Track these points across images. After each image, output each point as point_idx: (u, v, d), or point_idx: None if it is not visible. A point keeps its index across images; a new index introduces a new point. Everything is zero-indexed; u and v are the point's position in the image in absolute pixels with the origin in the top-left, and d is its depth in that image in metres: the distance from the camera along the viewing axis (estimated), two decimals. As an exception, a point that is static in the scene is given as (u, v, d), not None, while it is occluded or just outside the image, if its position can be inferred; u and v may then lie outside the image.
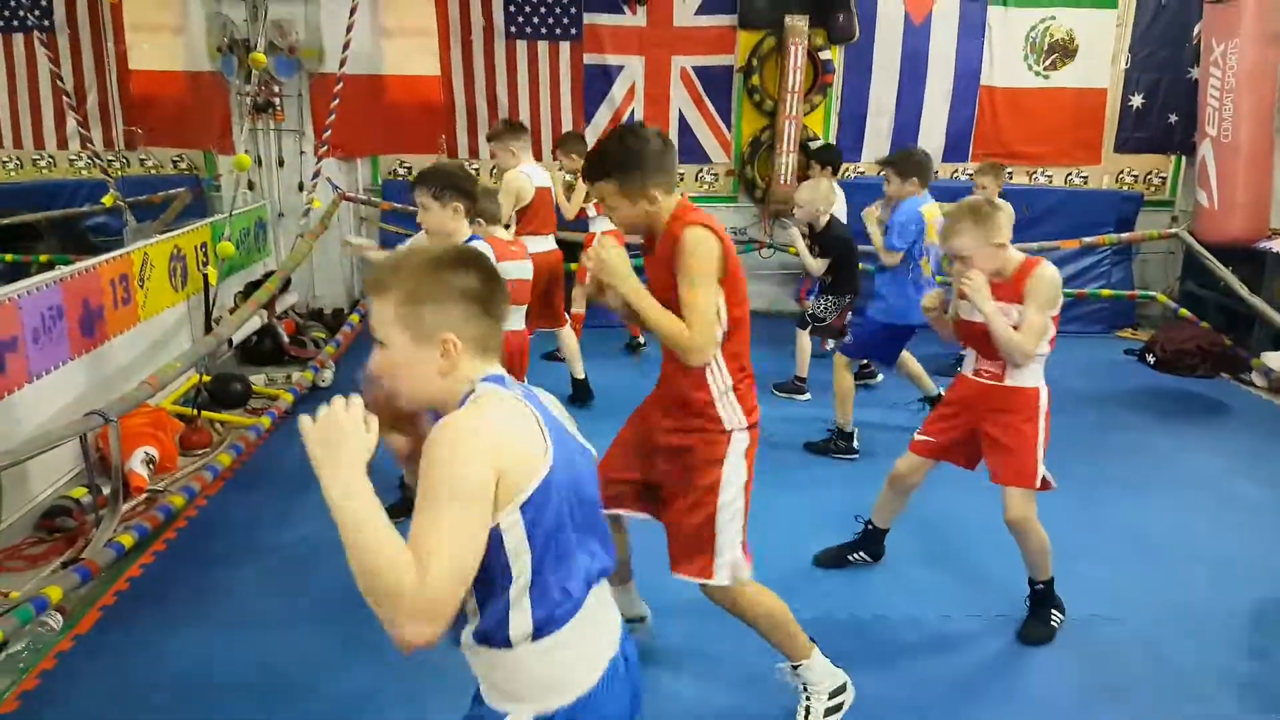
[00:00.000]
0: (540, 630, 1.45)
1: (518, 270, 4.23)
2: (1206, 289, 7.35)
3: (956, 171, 8.05)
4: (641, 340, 6.95)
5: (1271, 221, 6.93)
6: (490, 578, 1.41)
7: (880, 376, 6.19)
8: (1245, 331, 6.79)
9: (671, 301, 2.46)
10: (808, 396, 5.93)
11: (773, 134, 7.70)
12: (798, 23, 7.39)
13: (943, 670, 3.12)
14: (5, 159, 7.81)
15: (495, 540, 1.38)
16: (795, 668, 2.73)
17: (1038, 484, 3.16)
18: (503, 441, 1.39)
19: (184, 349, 5.27)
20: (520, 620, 1.44)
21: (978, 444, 3.31)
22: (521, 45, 7.79)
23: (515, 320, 4.33)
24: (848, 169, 7.82)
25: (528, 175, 5.51)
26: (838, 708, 2.75)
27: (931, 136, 7.91)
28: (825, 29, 7.55)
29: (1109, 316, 8.01)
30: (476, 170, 7.82)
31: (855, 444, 4.99)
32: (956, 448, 3.38)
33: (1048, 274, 3.08)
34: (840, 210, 6.18)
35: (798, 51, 7.40)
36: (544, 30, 7.77)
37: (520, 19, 7.72)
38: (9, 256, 6.01)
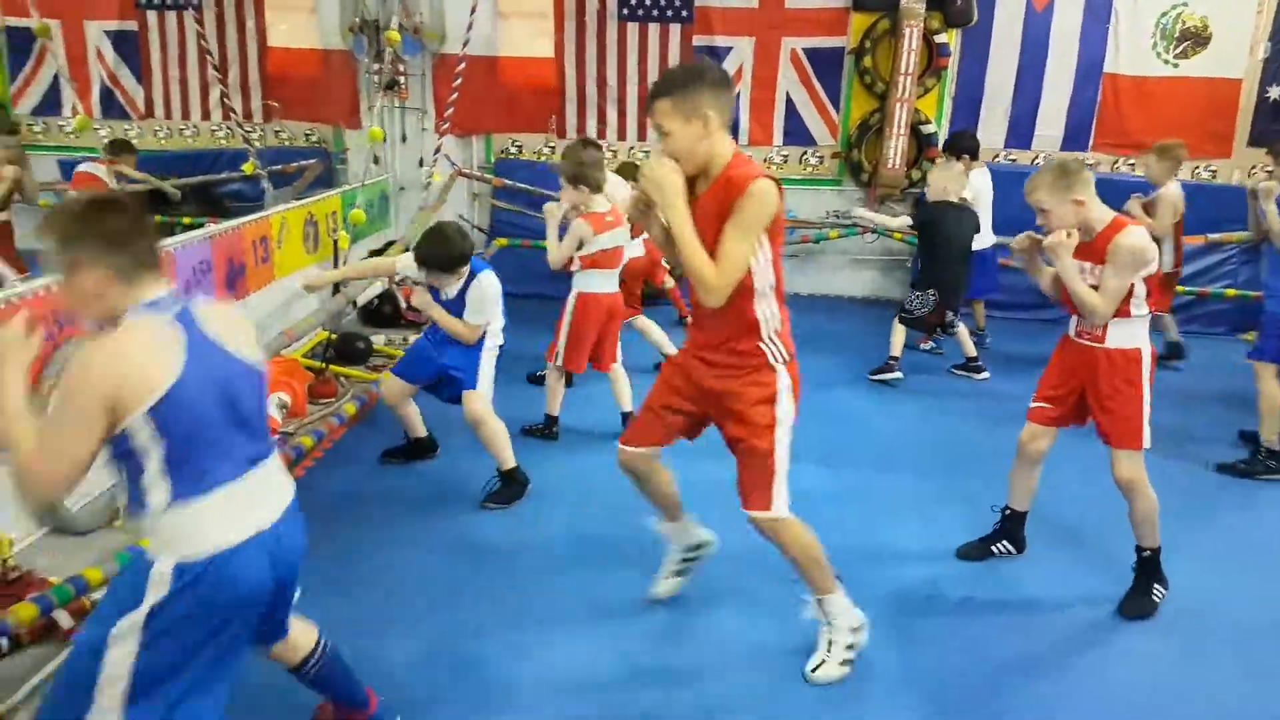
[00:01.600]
0: (178, 498, 1.87)
1: (612, 239, 4.57)
2: None
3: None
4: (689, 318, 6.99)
5: None
6: (128, 465, 1.86)
7: (987, 375, 6.05)
8: None
9: (708, 244, 2.55)
10: (899, 375, 5.90)
11: (882, 117, 7.68)
12: (914, 5, 7.34)
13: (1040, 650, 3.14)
14: (156, 128, 8.42)
15: (124, 439, 1.81)
16: (820, 601, 2.87)
17: (1144, 444, 3.18)
18: (118, 367, 1.78)
19: (313, 308, 5.64)
20: (158, 494, 1.86)
21: (1085, 404, 3.33)
22: (633, 27, 7.96)
23: (609, 283, 4.56)
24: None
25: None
26: (854, 644, 2.90)
27: (1051, 124, 7.75)
28: (942, 12, 7.47)
29: (1234, 317, 7.67)
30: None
31: None
32: (1070, 410, 3.40)
33: (1128, 239, 3.07)
34: (985, 196, 6.14)
35: (913, 34, 7.36)
36: (655, 12, 7.92)
37: (633, 1, 7.89)
38: (157, 217, 6.50)
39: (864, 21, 7.66)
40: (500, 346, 4.21)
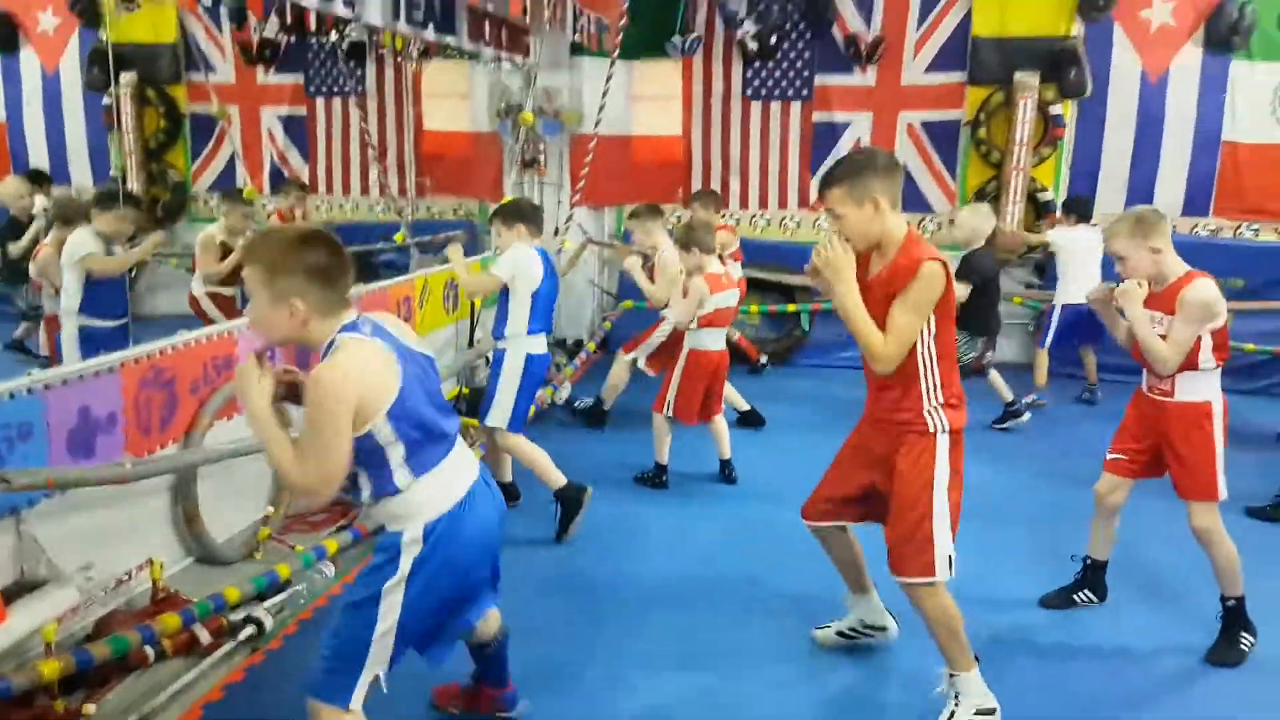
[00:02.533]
0: (417, 477, 2.24)
1: (726, 300, 4.99)
2: None
3: (1196, 227, 7.78)
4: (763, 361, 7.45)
5: None
6: (375, 460, 2.20)
7: (1028, 416, 6.24)
8: None
9: (879, 317, 2.77)
10: (1027, 417, 6.15)
11: (999, 185, 7.84)
12: (1028, 78, 7.54)
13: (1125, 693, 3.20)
14: (319, 202, 9.38)
15: (371, 439, 2.15)
16: (953, 676, 2.92)
17: (1220, 496, 3.25)
18: (363, 379, 2.10)
19: (449, 363, 6.20)
20: (402, 475, 2.23)
21: (1161, 458, 3.42)
22: (756, 105, 8.44)
23: (718, 341, 4.95)
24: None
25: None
26: None
27: (1169, 191, 7.71)
28: (1056, 84, 7.63)
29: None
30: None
31: None
32: (1146, 463, 3.48)
33: (1196, 292, 3.17)
34: (1095, 253, 6.32)
35: (1027, 105, 7.53)
36: (777, 92, 8.38)
37: (756, 82, 8.38)
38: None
39: (979, 94, 7.88)
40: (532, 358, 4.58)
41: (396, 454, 2.20)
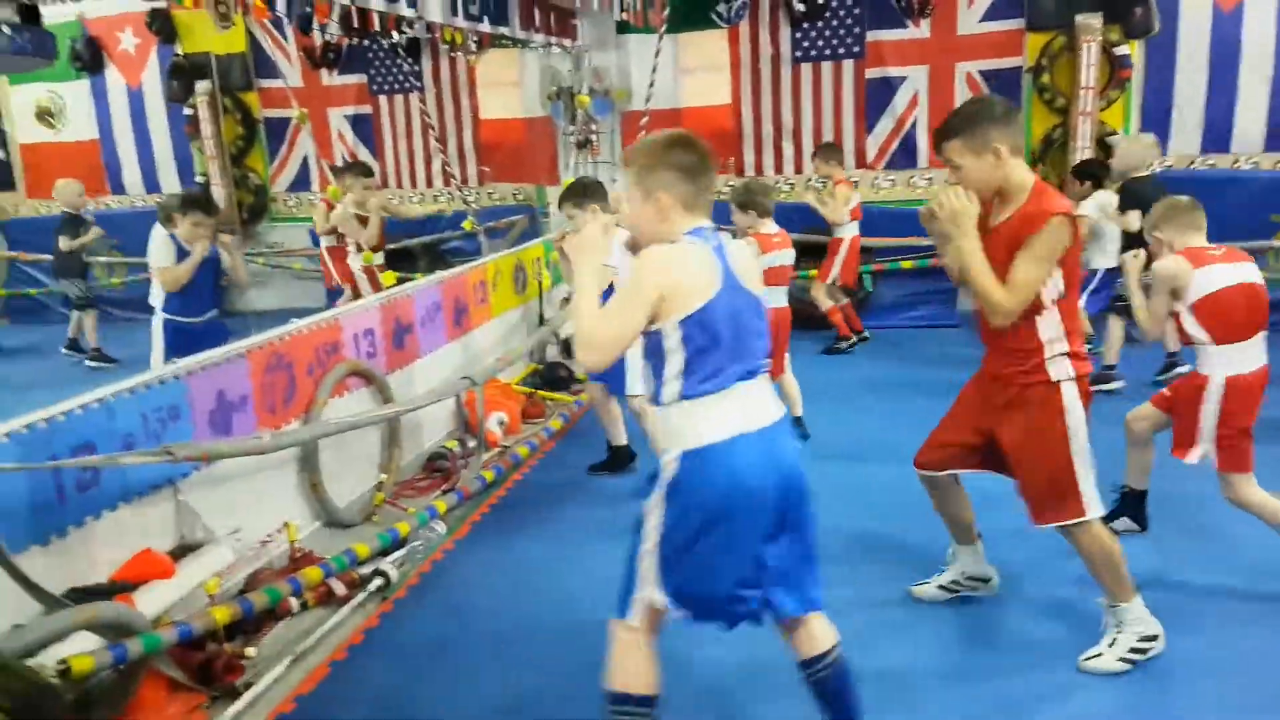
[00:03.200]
0: (685, 398, 2.19)
1: (778, 259, 4.94)
2: None
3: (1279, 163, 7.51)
4: (866, 335, 7.36)
5: None
6: (654, 360, 2.22)
7: (1122, 383, 5.81)
8: None
9: (1001, 269, 2.73)
10: (1120, 384, 5.77)
11: (1065, 132, 7.67)
12: (1090, 20, 7.34)
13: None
14: (390, 196, 9.66)
15: (658, 338, 2.18)
16: (1113, 607, 2.95)
17: (1188, 459, 3.47)
18: (673, 273, 2.15)
19: (523, 339, 6.40)
20: (670, 391, 2.21)
21: None
22: (806, 68, 8.38)
23: (777, 298, 4.93)
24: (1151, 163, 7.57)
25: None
26: (1143, 650, 2.94)
27: (1250, 125, 7.43)
28: (1121, 24, 7.41)
29: None
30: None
31: None
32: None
33: (1156, 267, 3.47)
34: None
35: (1091, 48, 7.34)
36: (828, 51, 8.31)
37: (805, 44, 8.32)
38: (395, 274, 7.55)
39: (1039, 40, 7.70)
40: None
41: (674, 364, 2.18)
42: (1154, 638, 2.96)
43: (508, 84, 9.01)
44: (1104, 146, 7.60)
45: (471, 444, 5.04)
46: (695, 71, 8.62)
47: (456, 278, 5.75)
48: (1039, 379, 2.84)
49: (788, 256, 5.00)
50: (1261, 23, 7.31)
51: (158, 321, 5.12)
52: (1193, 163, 7.62)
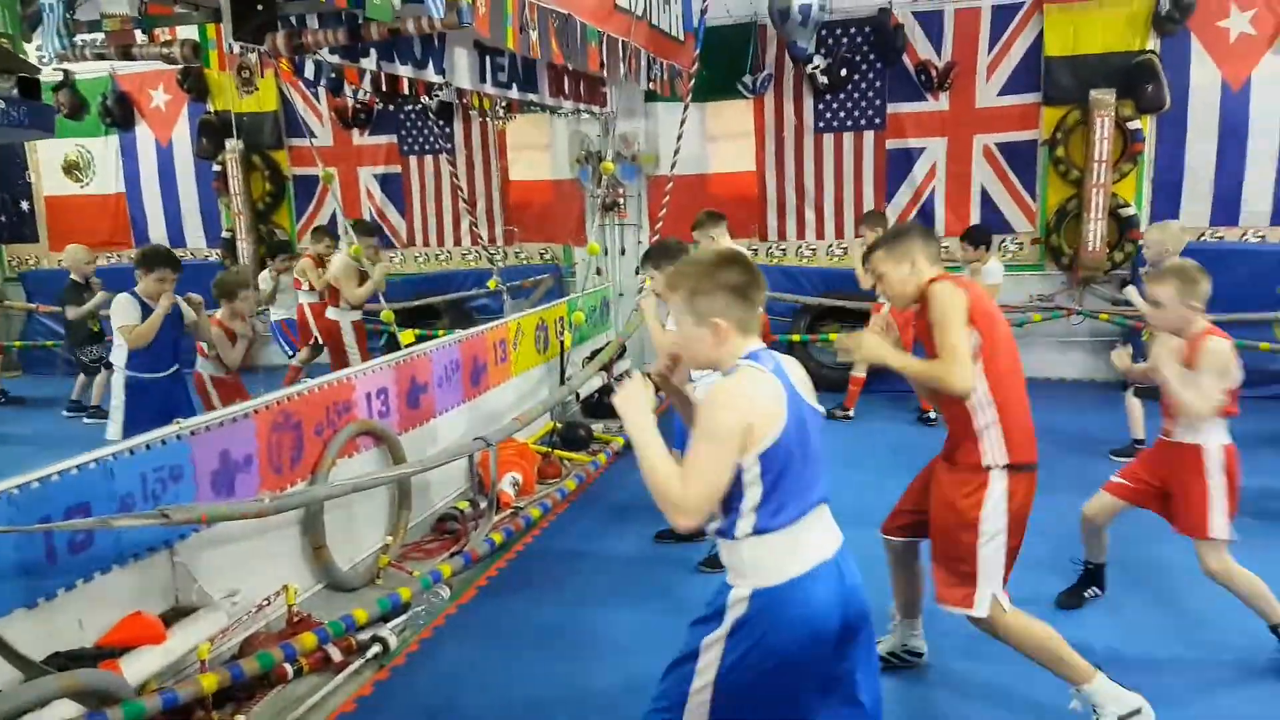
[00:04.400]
0: (760, 531, 2.09)
1: None
2: None
3: (1287, 236, 7.57)
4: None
5: None
6: (731, 497, 2.09)
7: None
8: None
9: (931, 352, 2.90)
10: None
11: (1079, 203, 7.77)
12: (1104, 96, 7.49)
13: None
14: (417, 254, 9.90)
15: (738, 473, 2.06)
16: (1078, 690, 2.95)
17: (1209, 535, 3.39)
18: (753, 407, 2.05)
19: (543, 398, 6.50)
20: (745, 525, 2.10)
21: (1169, 498, 3.60)
22: (828, 138, 8.58)
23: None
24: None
25: None
26: None
27: (1258, 200, 7.52)
28: (1133, 100, 7.55)
29: None
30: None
31: None
32: (1148, 497, 3.67)
33: (1211, 346, 3.34)
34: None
35: (1104, 123, 7.48)
36: (850, 123, 8.50)
37: (828, 114, 8.53)
38: (416, 331, 7.72)
39: (1055, 114, 7.86)
40: None
41: (752, 498, 2.07)
42: (1137, 711, 2.92)
43: (537, 147, 9.27)
44: (1116, 218, 7.71)
45: (483, 505, 5.11)
46: (721, 139, 8.84)
47: (476, 337, 5.89)
48: (965, 462, 2.95)
49: None
50: (1268, 100, 7.45)
51: (119, 379, 5.12)
52: (1202, 235, 7.69)
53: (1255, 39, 7.38)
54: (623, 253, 8.88)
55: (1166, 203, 7.72)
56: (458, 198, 9.47)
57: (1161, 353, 3.43)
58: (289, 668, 3.43)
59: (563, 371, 6.99)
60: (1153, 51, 7.52)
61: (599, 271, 8.58)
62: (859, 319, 7.99)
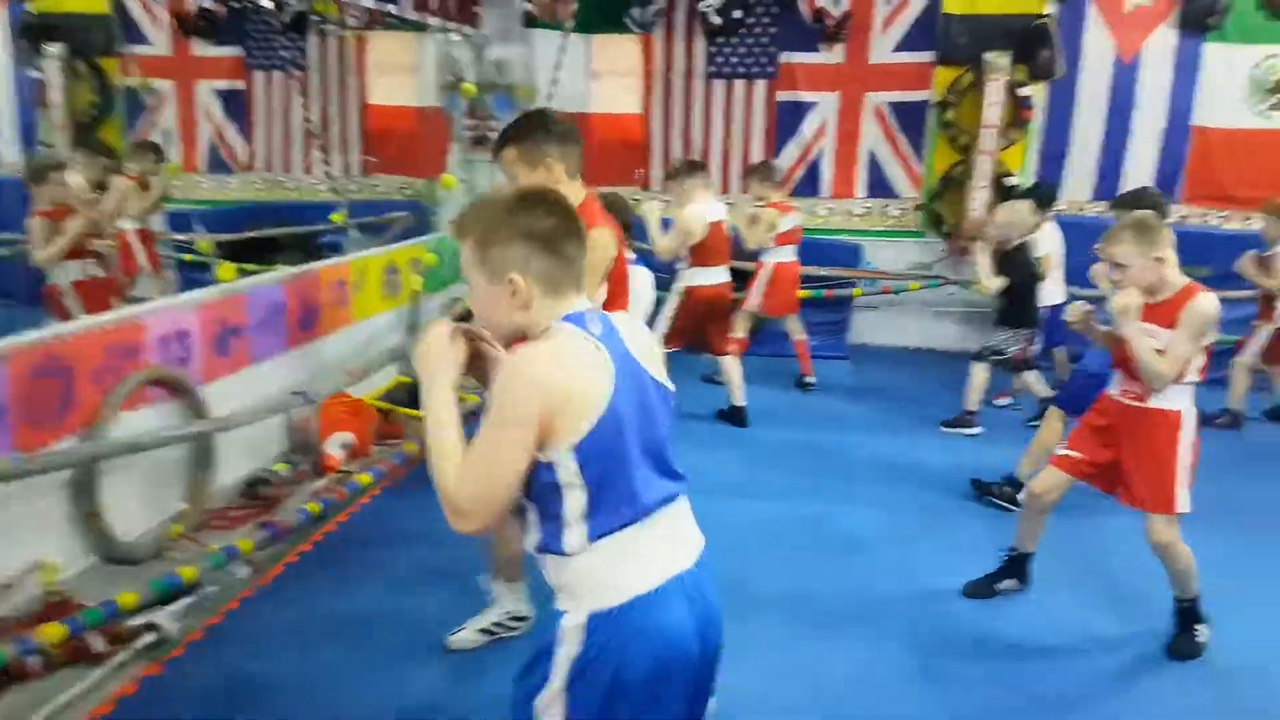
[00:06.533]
0: (593, 540, 1.64)
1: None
2: None
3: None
4: (812, 380, 6.92)
5: None
6: (545, 502, 1.65)
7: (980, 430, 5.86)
8: None
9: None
10: (978, 430, 5.81)
11: (966, 169, 7.54)
12: (999, 59, 7.23)
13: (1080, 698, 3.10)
14: (254, 180, 8.94)
15: (549, 472, 1.61)
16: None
17: (1177, 509, 3.14)
18: (557, 383, 1.57)
19: (389, 347, 5.84)
20: (574, 536, 1.64)
21: (1118, 468, 3.29)
22: (719, 84, 8.10)
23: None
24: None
25: (699, 214, 5.66)
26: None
27: (1138, 176, 7.45)
28: (1027, 65, 7.33)
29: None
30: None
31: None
32: (1099, 469, 3.38)
33: (1202, 305, 3.02)
34: (1056, 248, 6.05)
35: (997, 87, 7.24)
36: (742, 70, 8.04)
37: (720, 59, 8.04)
38: (250, 266, 6.90)
39: (948, 75, 7.56)
40: None
41: (575, 502, 1.62)
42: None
43: (401, 69, 8.43)
44: (1000, 187, 7.51)
45: (304, 468, 4.48)
46: (605, 76, 8.26)
47: (307, 275, 5.18)
48: None
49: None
50: (1157, 75, 7.35)
51: None
52: (1082, 209, 7.60)
53: (1150, 10, 7.25)
54: (492, 193, 8.20)
55: (1050, 174, 7.58)
56: (307, 120, 8.56)
57: (1126, 306, 3.09)
58: (37, 660, 2.87)
59: (415, 320, 6.33)
60: (1049, 16, 7.28)
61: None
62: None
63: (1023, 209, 5.74)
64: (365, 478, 4.46)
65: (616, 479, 1.63)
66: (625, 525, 1.64)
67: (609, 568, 1.65)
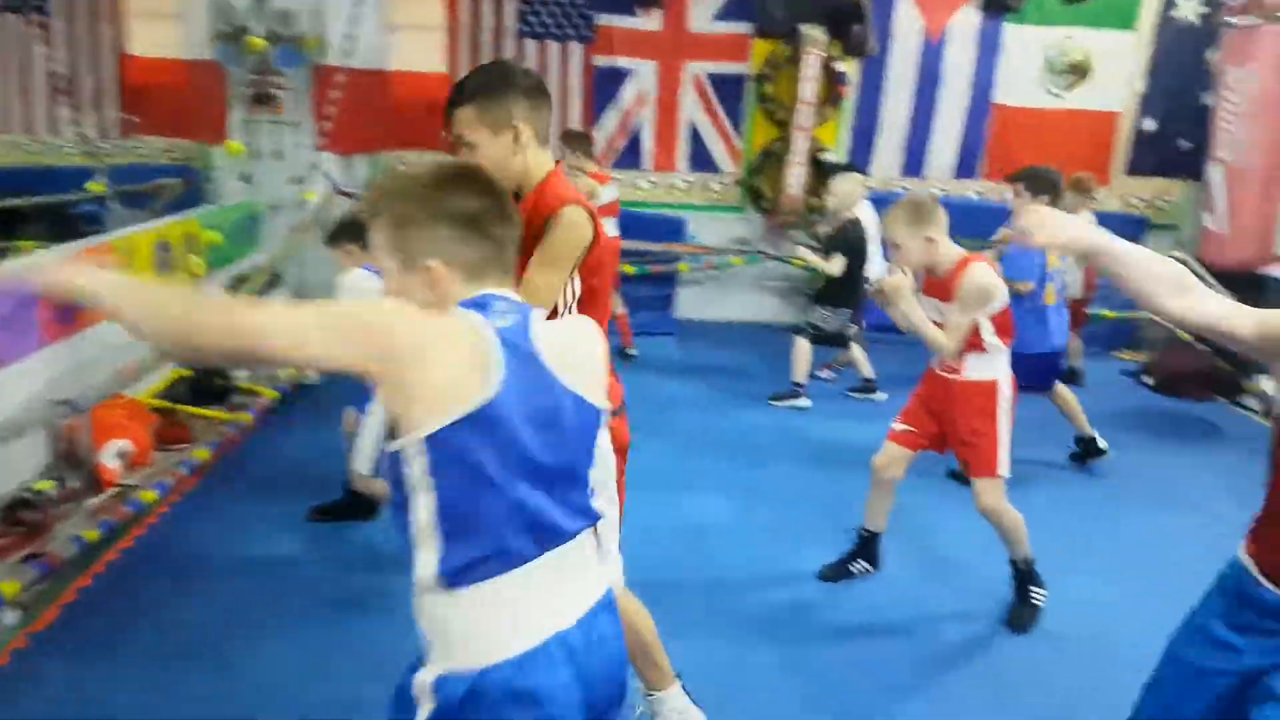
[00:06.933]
0: (453, 580, 1.37)
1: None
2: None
3: (966, 190, 7.89)
4: (633, 351, 6.75)
5: (1276, 247, 6.79)
6: (398, 505, 1.40)
7: (884, 395, 5.96)
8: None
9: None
10: (806, 403, 5.85)
11: (784, 145, 7.53)
12: (814, 33, 7.23)
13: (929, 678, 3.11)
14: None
15: (397, 463, 1.36)
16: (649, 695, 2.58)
17: (1000, 472, 3.28)
18: (415, 332, 1.35)
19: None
20: (426, 556, 1.38)
21: (945, 438, 3.46)
22: (531, 45, 7.63)
23: None
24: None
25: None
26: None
27: (943, 153, 7.76)
28: (841, 41, 7.38)
29: (1108, 336, 7.74)
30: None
31: None
32: (932, 439, 3.49)
33: (974, 276, 3.17)
34: (871, 226, 6.13)
35: (812, 61, 7.24)
36: (555, 30, 7.62)
37: (531, 18, 7.57)
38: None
39: (766, 48, 7.52)
40: None
41: (424, 513, 1.36)
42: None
43: (166, 15, 7.34)
44: (817, 165, 7.57)
45: (75, 484, 3.72)
46: (406, 30, 7.55)
47: (60, 256, 4.30)
48: None
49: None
50: (961, 54, 7.61)
51: None
52: (891, 186, 7.80)
53: (958, -11, 7.47)
54: (279, 158, 7.34)
55: (861, 151, 7.72)
56: (52, 74, 7.33)
57: (896, 285, 3.22)
58: None
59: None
60: (863, -10, 7.36)
61: (246, 179, 7.03)
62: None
63: (856, 179, 5.80)
64: (151, 494, 3.78)
65: (480, 499, 1.36)
66: (494, 569, 1.38)
67: (469, 619, 1.39)
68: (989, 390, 3.29)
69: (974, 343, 3.26)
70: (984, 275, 3.18)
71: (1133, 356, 7.59)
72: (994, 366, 3.31)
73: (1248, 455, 5.44)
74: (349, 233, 3.78)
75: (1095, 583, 3.72)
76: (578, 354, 1.53)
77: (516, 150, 2.18)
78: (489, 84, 2.18)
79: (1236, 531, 3.88)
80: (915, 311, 3.22)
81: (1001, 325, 3.27)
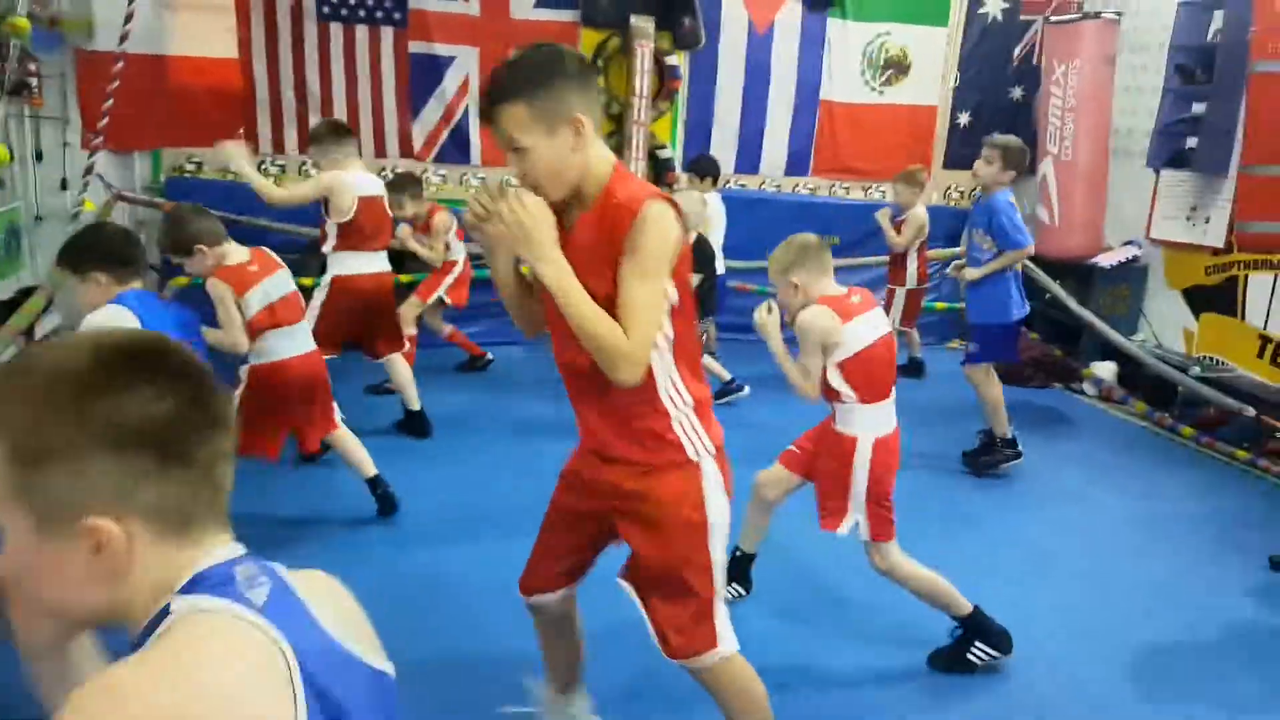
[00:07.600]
0: None
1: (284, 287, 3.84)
2: (1036, 301, 7.58)
3: (797, 186, 7.92)
4: (489, 357, 6.35)
5: (1105, 239, 7.22)
6: None
7: (747, 390, 5.92)
8: (1074, 343, 7.09)
9: (599, 297, 1.91)
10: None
11: (620, 140, 7.24)
12: (644, 23, 6.95)
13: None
14: None
15: None
16: None
17: (838, 530, 3.11)
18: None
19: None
20: None
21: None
22: (336, 28, 6.93)
23: (301, 341, 3.84)
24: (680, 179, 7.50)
25: (347, 185, 4.67)
26: None
27: (775, 149, 7.72)
28: (671, 33, 7.16)
29: (940, 328, 8.10)
30: (282, 168, 6.95)
31: (1019, 449, 5.06)
32: (810, 471, 3.32)
33: (803, 322, 3.06)
34: (719, 222, 5.99)
35: (644, 54, 6.97)
36: (362, 13, 6.94)
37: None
38: None
39: (595, 38, 7.16)
40: None
41: None
42: None
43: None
44: (655, 161, 7.35)
45: None
46: (187, 10, 6.65)
47: None
48: (662, 457, 2.12)
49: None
50: (788, 47, 7.57)
51: None
52: (727, 182, 7.70)
53: (779, -20, 7.40)
54: (40, 158, 6.27)
55: (698, 145, 7.55)
56: None
57: (769, 330, 3.12)
58: None
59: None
60: (690, -20, 7.15)
61: (0, 184, 5.97)
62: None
63: (695, 197, 5.64)
64: None
65: None
66: None
67: None
68: (847, 446, 3.06)
69: (830, 392, 3.09)
70: (813, 317, 3.02)
71: (963, 346, 7.89)
72: (851, 421, 3.07)
73: (1100, 442, 5.84)
74: (94, 254, 2.91)
75: (1009, 588, 3.66)
76: (350, 612, 1.09)
77: (577, 146, 1.89)
78: (537, 71, 1.86)
79: (1124, 520, 3.99)
80: (778, 349, 3.13)
81: (853, 375, 3.03)
